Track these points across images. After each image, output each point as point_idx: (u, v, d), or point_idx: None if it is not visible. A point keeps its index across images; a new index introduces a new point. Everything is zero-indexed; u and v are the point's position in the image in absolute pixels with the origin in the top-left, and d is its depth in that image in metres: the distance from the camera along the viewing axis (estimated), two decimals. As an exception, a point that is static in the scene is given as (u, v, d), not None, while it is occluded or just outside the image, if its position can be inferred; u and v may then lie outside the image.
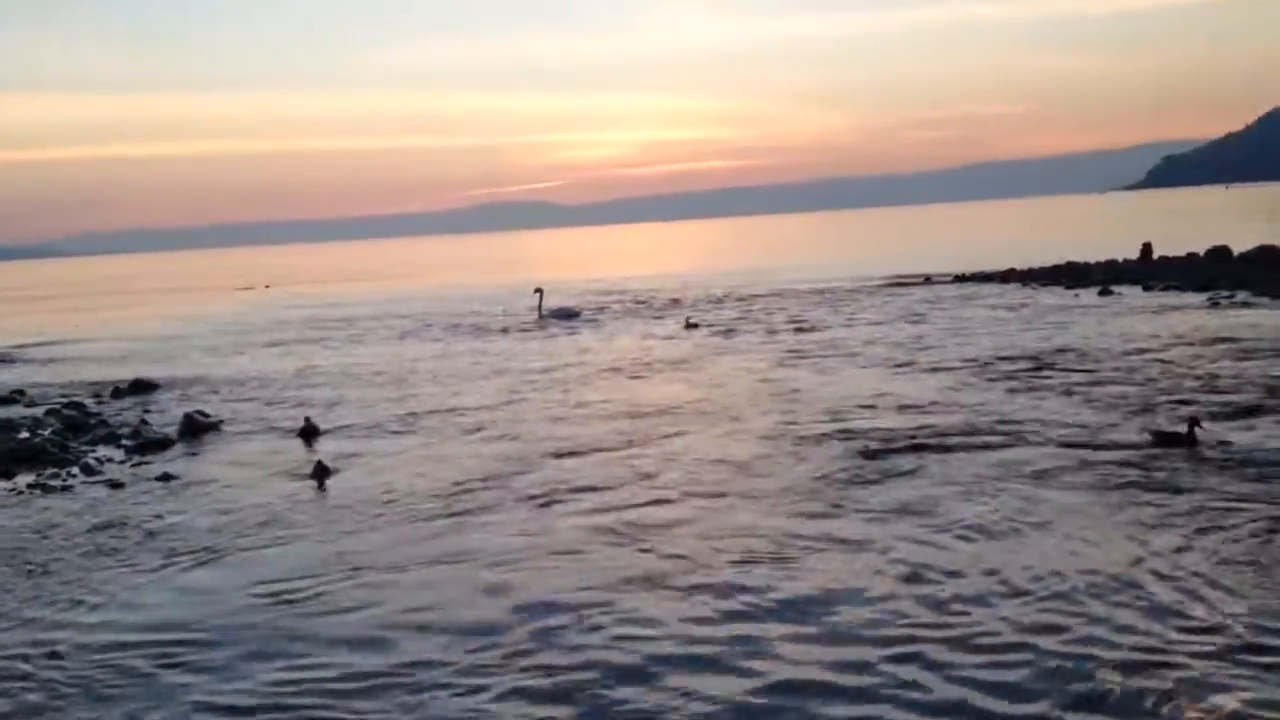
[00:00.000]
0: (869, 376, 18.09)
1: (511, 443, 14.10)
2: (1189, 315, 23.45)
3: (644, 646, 7.21)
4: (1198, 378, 15.80)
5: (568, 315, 32.02)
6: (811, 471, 11.62)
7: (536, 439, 14.23)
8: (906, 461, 11.84)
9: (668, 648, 7.17)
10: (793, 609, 7.74)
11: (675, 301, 36.88)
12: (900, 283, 38.51)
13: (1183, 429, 11.68)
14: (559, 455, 13.14)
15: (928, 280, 38.39)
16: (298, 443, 14.96)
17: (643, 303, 37.45)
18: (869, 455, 12.16)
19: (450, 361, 23.56)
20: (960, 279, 37.79)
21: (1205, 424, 11.78)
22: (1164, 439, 11.66)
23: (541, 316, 32.29)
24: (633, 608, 7.91)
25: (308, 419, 15.65)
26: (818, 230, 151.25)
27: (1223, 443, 11.51)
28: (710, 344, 24.39)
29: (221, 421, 16.73)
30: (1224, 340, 19.19)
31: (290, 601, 8.43)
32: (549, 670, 6.91)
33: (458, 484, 11.86)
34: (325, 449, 14.37)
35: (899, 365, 19.15)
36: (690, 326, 28.06)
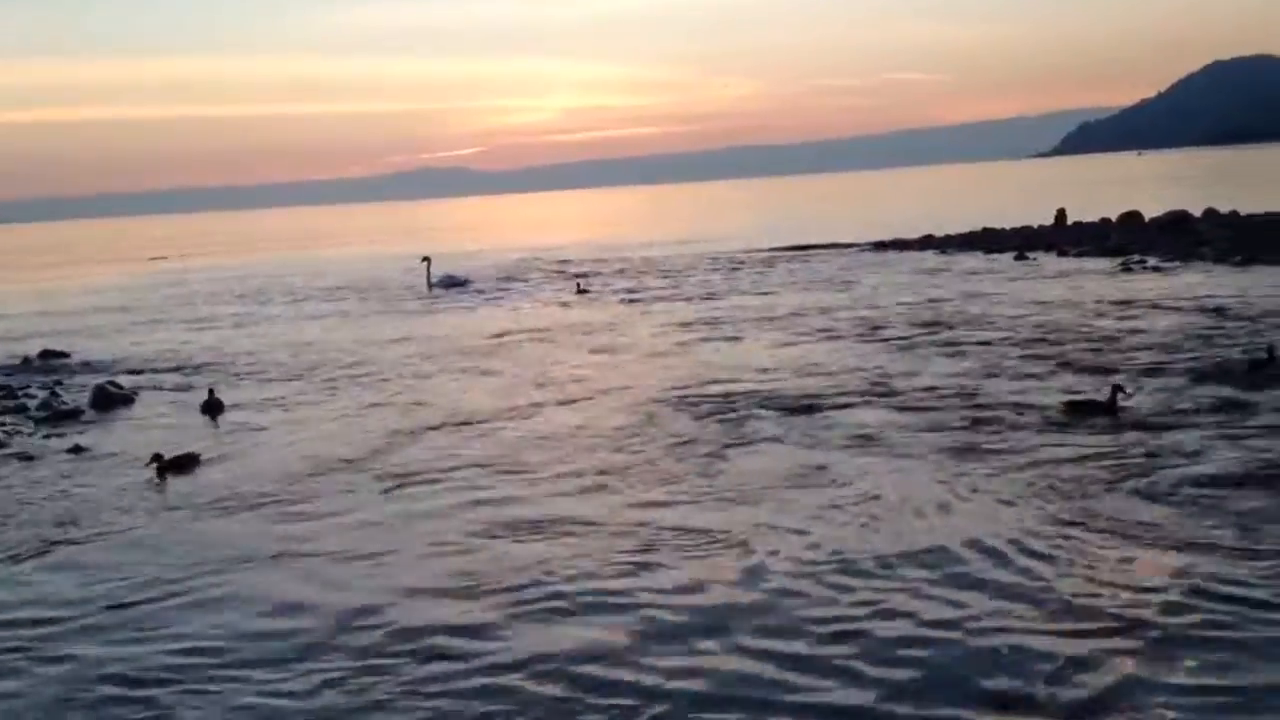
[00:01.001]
0: (767, 342, 18.28)
1: (395, 416, 13.83)
2: (1100, 280, 23.90)
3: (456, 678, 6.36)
4: (1103, 339, 16.12)
5: (456, 284, 32.28)
6: (685, 435, 11.73)
7: (415, 411, 14.07)
8: (776, 425, 11.97)
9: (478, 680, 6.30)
10: (636, 603, 7.24)
11: (577, 271, 36.47)
12: (817, 249, 38.73)
13: (1104, 396, 11.56)
14: (433, 428, 12.88)
15: (847, 247, 38.68)
16: (203, 419, 14.66)
17: (549, 270, 37.46)
18: (735, 419, 12.36)
19: (351, 332, 23.29)
20: (880, 246, 38.07)
21: (1128, 389, 11.74)
22: (1080, 408, 11.50)
23: (430, 286, 32.34)
24: (459, 621, 7.11)
25: (211, 391, 15.35)
26: (738, 197, 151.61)
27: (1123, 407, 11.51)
28: (604, 311, 24.52)
29: (135, 393, 16.42)
30: (1129, 303, 19.58)
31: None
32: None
33: (318, 468, 11.38)
34: (230, 419, 14.30)
35: (801, 331, 19.26)
36: (581, 291, 28.65)
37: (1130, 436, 10.53)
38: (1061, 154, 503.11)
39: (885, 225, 46.72)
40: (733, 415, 12.61)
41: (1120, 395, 11.44)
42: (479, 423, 13.05)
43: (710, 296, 26.16)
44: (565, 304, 26.58)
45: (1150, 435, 10.49)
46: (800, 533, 8.38)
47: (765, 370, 15.46)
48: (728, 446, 11.22)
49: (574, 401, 14.12)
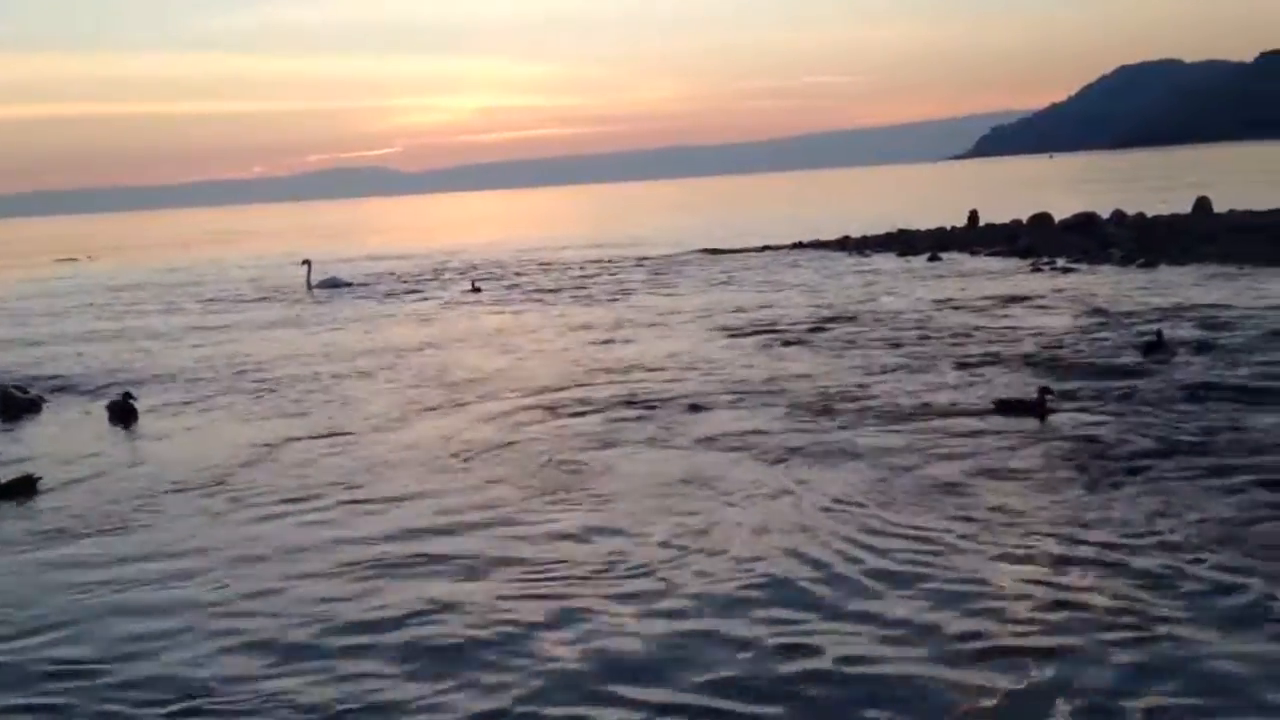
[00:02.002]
0: (661, 342, 18.44)
1: (265, 428, 13.42)
2: (1008, 280, 24.27)
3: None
4: (1004, 337, 16.49)
5: (336, 285, 32.57)
6: (544, 449, 11.37)
7: (292, 422, 13.62)
8: (650, 427, 12.07)
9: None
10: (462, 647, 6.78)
11: (481, 273, 36.41)
12: (735, 251, 38.87)
13: (1032, 397, 11.63)
14: (301, 439, 12.54)
15: (765, 249, 38.85)
16: (111, 422, 14.25)
17: (455, 270, 37.40)
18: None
19: (239, 337, 22.91)
20: (798, 246, 38.33)
21: (1054, 390, 11.82)
22: (1011, 407, 11.62)
23: (310, 288, 32.46)
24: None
25: (128, 396, 14.81)
26: (660, 199, 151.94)
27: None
28: (503, 313, 24.56)
29: (42, 399, 15.93)
30: (1031, 299, 19.92)
31: None
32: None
33: (154, 488, 10.76)
34: (145, 428, 13.86)
35: (699, 331, 19.52)
36: (474, 290, 29.33)
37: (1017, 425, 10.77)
38: (976, 156, 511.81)
39: (804, 227, 46.99)
40: (604, 419, 12.61)
41: (1049, 397, 11.53)
42: (344, 435, 12.65)
43: (616, 298, 26.20)
44: (460, 305, 26.60)
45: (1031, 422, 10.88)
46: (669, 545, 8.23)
47: (652, 370, 15.65)
48: (584, 452, 11.08)
49: (441, 408, 13.81)
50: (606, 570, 7.75)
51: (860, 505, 8.84)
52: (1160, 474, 9.19)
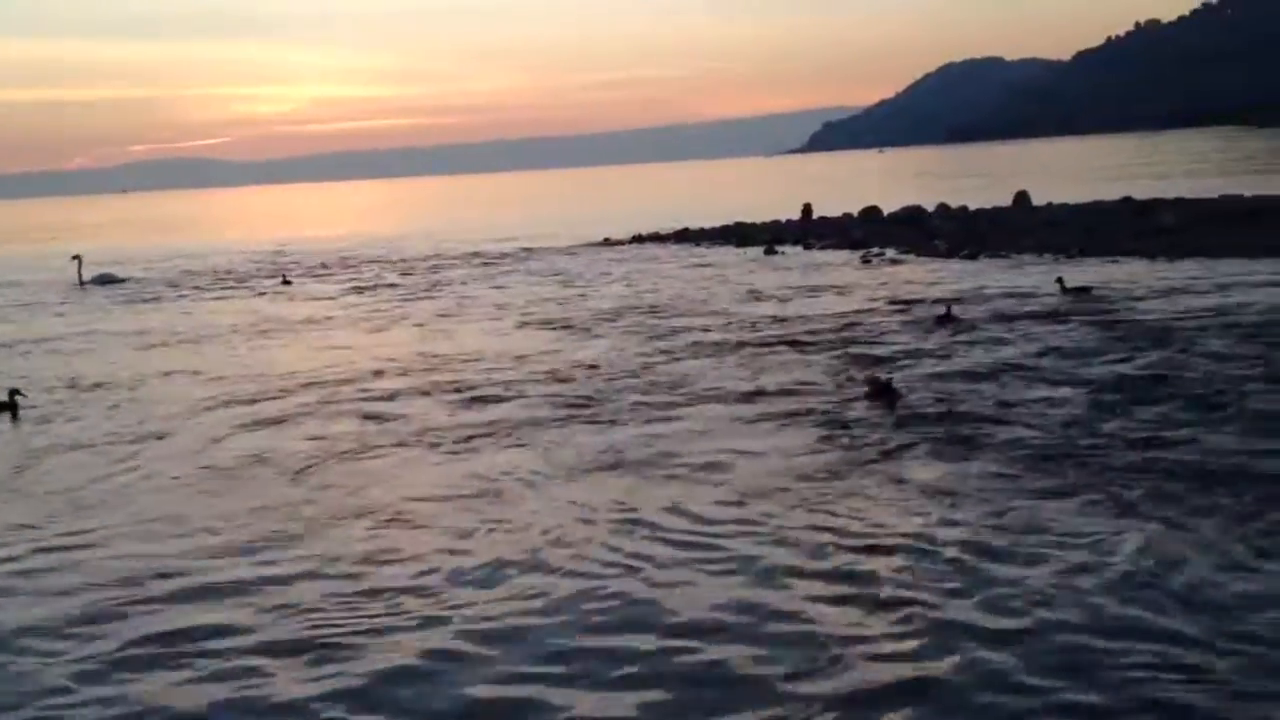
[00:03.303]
0: (483, 334, 18.68)
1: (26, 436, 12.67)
2: (839, 270, 25.03)
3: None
4: (812, 325, 17.18)
5: (109, 281, 32.23)
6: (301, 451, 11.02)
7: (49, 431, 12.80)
8: (429, 418, 12.17)
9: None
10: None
11: (298, 265, 35.93)
12: (572, 244, 39.01)
13: (883, 379, 11.92)
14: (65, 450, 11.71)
15: (605, 241, 39.05)
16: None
17: (270, 263, 36.69)
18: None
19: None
20: (638, 239, 38.62)
21: (884, 374, 12.21)
22: (880, 391, 11.77)
23: (82, 284, 32.02)
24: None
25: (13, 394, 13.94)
26: (500, 191, 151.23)
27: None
28: (307, 306, 24.52)
29: None
30: (857, 288, 20.59)
31: None
32: None
33: None
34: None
35: (511, 322, 19.84)
36: (285, 283, 29.70)
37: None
38: (810, 151, 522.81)
39: (646, 219, 47.35)
40: (380, 415, 12.53)
41: (892, 383, 11.82)
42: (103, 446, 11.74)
43: (431, 293, 26.08)
44: (268, 297, 26.56)
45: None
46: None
47: (451, 359, 15.92)
48: (347, 457, 10.76)
49: (197, 413, 13.14)
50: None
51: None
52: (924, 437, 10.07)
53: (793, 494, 8.73)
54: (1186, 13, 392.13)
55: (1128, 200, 34.39)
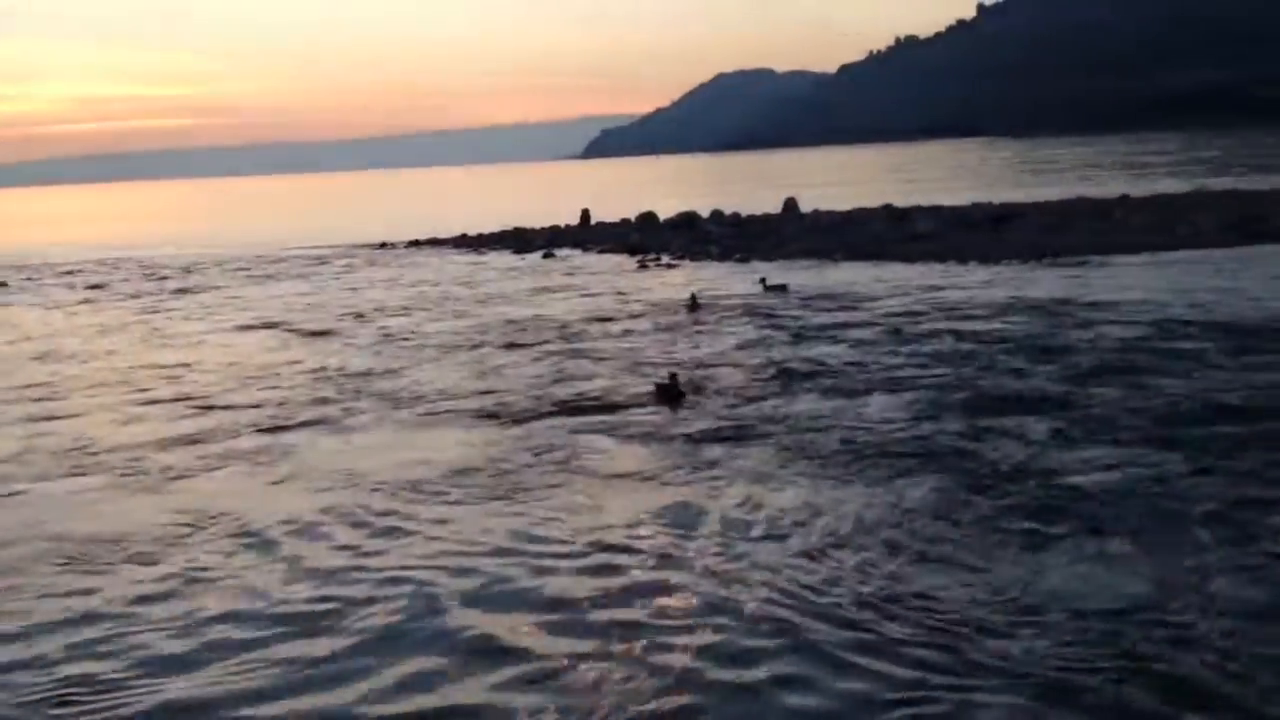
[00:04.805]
0: (220, 343, 18.49)
1: None
2: (615, 275, 25.46)
3: None
4: (554, 325, 17.88)
5: None
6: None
7: None
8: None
9: None
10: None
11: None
12: (344, 248, 38.38)
13: (666, 380, 12.17)
14: None
15: (382, 246, 38.57)
16: None
17: None
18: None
19: None
20: (415, 244, 38.32)
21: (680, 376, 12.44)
22: (667, 392, 12.00)
23: None
24: None
25: None
26: (263, 196, 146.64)
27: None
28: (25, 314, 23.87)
29: None
30: (628, 294, 21.12)
31: None
32: None
33: None
34: None
35: (244, 325, 20.10)
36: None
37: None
38: (587, 157, 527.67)
39: (423, 224, 46.92)
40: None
41: (677, 381, 12.10)
42: None
43: (171, 301, 25.56)
44: None
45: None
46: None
47: (177, 369, 15.88)
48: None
49: None
50: None
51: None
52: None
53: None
54: (943, 29, 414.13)
55: (888, 207, 36.13)
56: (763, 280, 20.73)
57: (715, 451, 9.84)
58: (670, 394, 11.98)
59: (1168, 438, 9.31)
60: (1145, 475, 8.40)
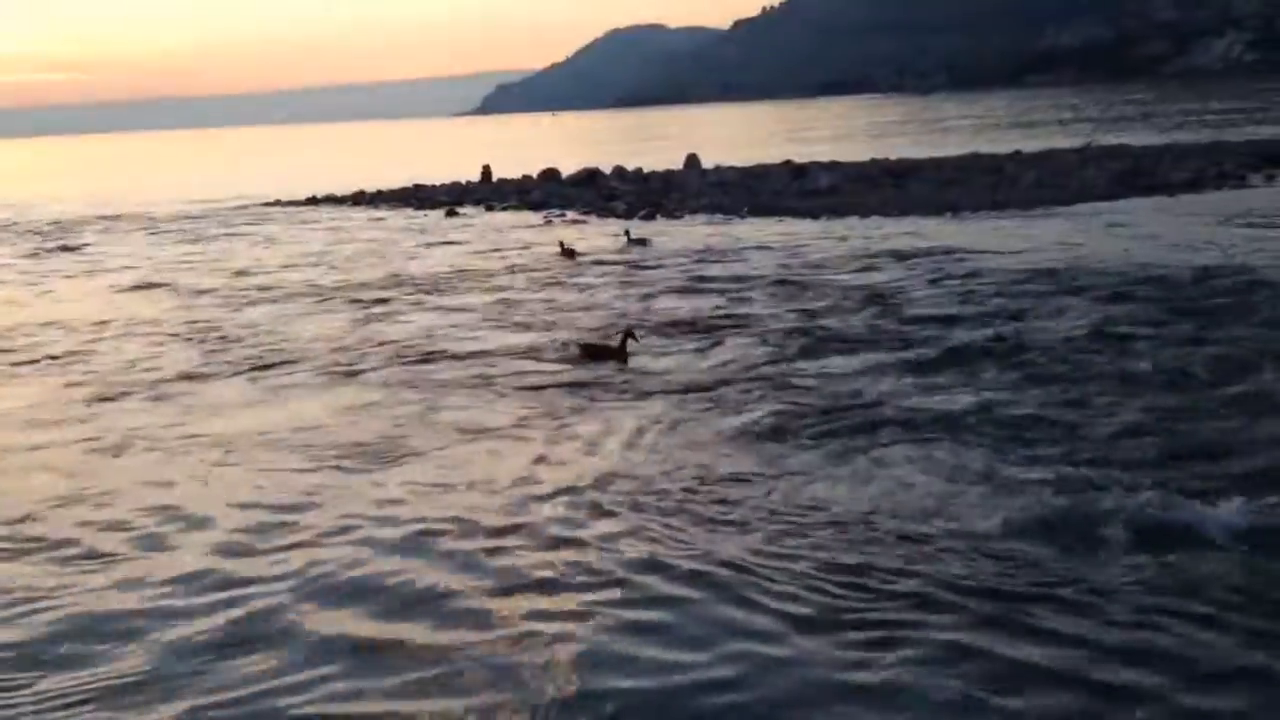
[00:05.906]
0: (93, 298, 18.38)
1: None
2: (524, 233, 25.35)
3: None
4: (503, 282, 17.41)
5: None
6: None
7: None
8: None
9: None
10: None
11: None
12: (237, 206, 37.57)
13: (616, 342, 11.69)
14: None
15: (277, 204, 37.81)
16: None
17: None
18: None
19: None
20: (312, 201, 37.62)
21: (639, 335, 12.09)
22: (595, 351, 11.73)
23: None
24: None
25: None
26: (155, 151, 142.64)
27: None
28: None
29: None
30: (533, 246, 21.06)
31: None
32: None
33: None
34: None
35: (150, 285, 19.62)
36: None
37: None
38: (484, 113, 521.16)
39: (319, 180, 45.97)
40: None
41: (630, 340, 11.66)
42: None
43: (46, 258, 25.05)
44: None
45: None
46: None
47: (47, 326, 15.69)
48: None
49: None
50: None
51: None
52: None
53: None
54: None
55: (788, 163, 36.44)
56: (627, 233, 21.45)
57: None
58: (604, 353, 11.66)
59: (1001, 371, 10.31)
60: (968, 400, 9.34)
